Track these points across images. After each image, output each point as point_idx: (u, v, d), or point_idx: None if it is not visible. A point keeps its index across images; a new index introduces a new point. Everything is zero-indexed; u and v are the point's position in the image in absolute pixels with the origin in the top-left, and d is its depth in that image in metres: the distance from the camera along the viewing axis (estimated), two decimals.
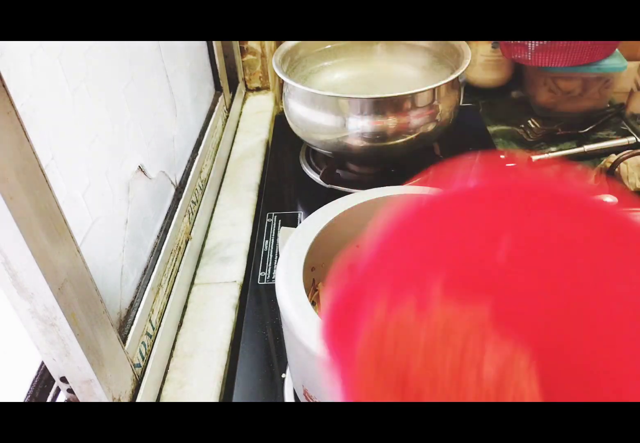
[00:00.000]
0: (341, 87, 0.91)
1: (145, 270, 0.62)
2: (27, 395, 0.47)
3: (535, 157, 1.11)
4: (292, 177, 0.91)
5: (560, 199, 0.26)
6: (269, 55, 1.10)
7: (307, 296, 0.45)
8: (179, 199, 0.73)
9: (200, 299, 0.69)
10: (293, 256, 0.48)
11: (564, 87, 1.12)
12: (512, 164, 0.92)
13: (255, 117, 1.09)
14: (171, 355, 0.62)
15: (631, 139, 1.10)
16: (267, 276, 0.72)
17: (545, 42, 0.98)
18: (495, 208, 0.27)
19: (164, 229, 0.68)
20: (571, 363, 0.29)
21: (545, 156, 1.11)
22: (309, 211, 0.80)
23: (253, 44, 1.09)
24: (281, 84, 0.86)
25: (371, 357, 0.28)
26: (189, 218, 0.75)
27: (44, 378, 0.48)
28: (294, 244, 0.50)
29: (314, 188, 0.87)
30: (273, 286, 0.47)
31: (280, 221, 0.81)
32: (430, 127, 0.78)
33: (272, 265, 0.73)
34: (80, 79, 0.50)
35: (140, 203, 0.62)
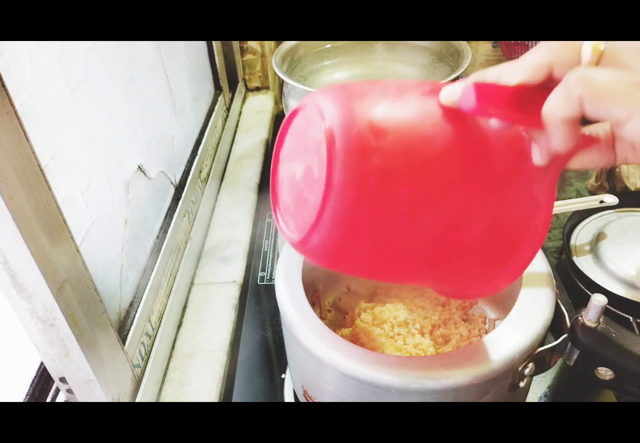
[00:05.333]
0: None
1: (144, 270, 0.62)
2: (27, 395, 0.47)
3: None
4: None
5: None
6: (269, 55, 1.10)
7: (307, 296, 0.45)
8: (178, 199, 0.73)
9: (200, 299, 0.69)
10: (293, 256, 0.48)
11: None
12: None
13: (255, 116, 1.08)
14: (171, 356, 0.62)
15: None
16: (267, 276, 0.72)
17: None
18: None
19: (164, 229, 0.68)
20: None
21: None
22: None
23: (253, 44, 1.09)
24: (281, 83, 0.86)
25: None
26: (189, 217, 0.75)
27: (43, 379, 0.48)
28: None
29: None
30: (273, 286, 0.47)
31: None
32: None
33: (272, 265, 0.73)
34: (80, 79, 0.50)
35: (140, 202, 0.62)
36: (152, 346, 0.59)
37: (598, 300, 0.38)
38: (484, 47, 1.20)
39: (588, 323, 0.39)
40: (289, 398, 0.56)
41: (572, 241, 0.80)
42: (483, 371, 0.38)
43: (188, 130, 0.84)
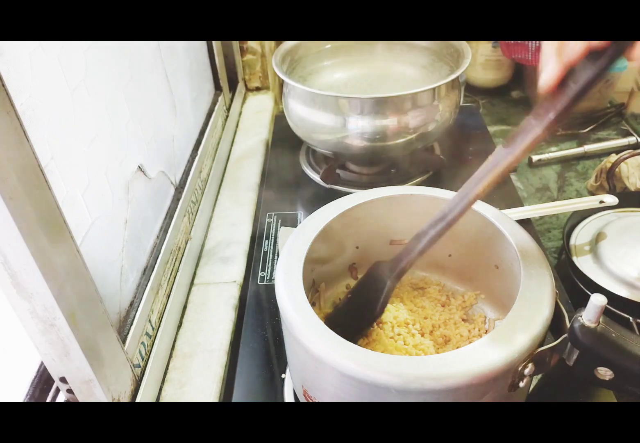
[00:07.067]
0: (341, 87, 0.91)
1: (144, 270, 0.62)
2: (27, 395, 0.47)
3: (535, 157, 1.12)
4: (292, 177, 0.91)
5: None
6: (269, 55, 1.10)
7: (307, 296, 0.45)
8: (178, 199, 0.73)
9: (200, 299, 0.69)
10: (293, 256, 0.48)
11: None
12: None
13: (255, 117, 1.09)
14: (171, 355, 0.62)
15: (631, 139, 1.10)
16: (267, 276, 0.72)
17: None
18: None
19: (164, 229, 0.68)
20: None
21: (546, 156, 1.11)
22: (309, 211, 0.80)
23: (253, 44, 1.09)
24: (281, 84, 0.86)
25: None
26: (189, 218, 0.75)
27: (43, 379, 0.48)
28: (294, 244, 0.49)
29: (314, 188, 0.87)
30: (273, 286, 0.47)
31: (280, 221, 0.81)
32: (430, 127, 0.78)
33: (272, 265, 0.73)
34: (80, 79, 0.50)
35: (140, 202, 0.62)
36: (152, 346, 0.59)
37: (598, 300, 0.38)
38: (484, 47, 1.20)
39: (588, 323, 0.39)
40: (288, 398, 0.56)
41: (572, 241, 0.80)
42: (483, 372, 0.38)
43: (188, 130, 0.84)
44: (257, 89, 1.16)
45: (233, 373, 0.60)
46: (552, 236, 0.99)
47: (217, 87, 1.01)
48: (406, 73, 0.91)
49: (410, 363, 0.39)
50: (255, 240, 0.78)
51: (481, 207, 0.52)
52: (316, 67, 0.91)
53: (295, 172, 0.92)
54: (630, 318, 0.69)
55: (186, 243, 0.72)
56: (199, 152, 0.82)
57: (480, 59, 1.21)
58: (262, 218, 0.82)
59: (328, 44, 0.91)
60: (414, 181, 0.85)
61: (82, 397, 0.47)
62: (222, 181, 0.91)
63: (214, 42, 0.96)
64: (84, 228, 0.49)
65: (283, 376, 0.58)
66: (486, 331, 0.55)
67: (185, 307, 0.68)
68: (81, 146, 0.50)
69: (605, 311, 0.39)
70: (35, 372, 0.48)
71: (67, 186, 0.46)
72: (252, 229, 0.81)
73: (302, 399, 0.50)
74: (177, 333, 0.65)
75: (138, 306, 0.57)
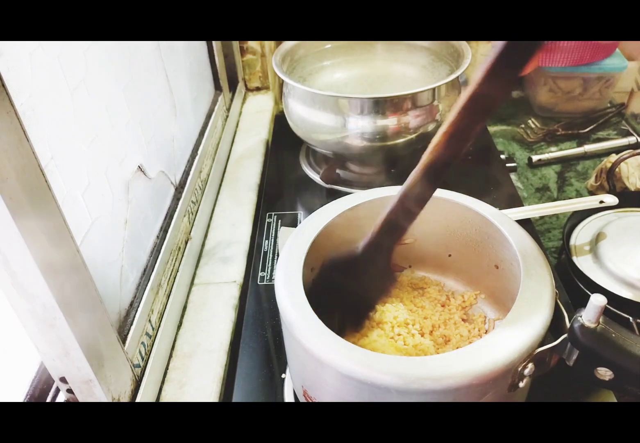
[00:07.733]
0: (341, 87, 0.91)
1: (144, 270, 0.62)
2: (27, 395, 0.47)
3: (535, 157, 1.12)
4: (292, 177, 0.91)
5: None
6: (269, 55, 1.10)
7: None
8: (178, 199, 0.73)
9: (200, 299, 0.69)
10: (293, 256, 0.48)
11: (565, 87, 1.12)
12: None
13: (255, 117, 1.09)
14: (171, 355, 0.62)
15: (631, 139, 1.10)
16: (267, 276, 0.72)
17: (545, 42, 0.98)
18: None
19: (164, 229, 0.68)
20: None
21: (546, 156, 1.11)
22: (309, 211, 0.80)
23: (253, 44, 1.09)
24: (281, 83, 0.86)
25: None
26: (189, 218, 0.75)
27: (43, 379, 0.48)
28: (294, 244, 0.49)
29: (314, 188, 0.87)
30: (273, 286, 0.47)
31: (280, 221, 0.81)
32: (430, 127, 0.78)
33: (272, 265, 0.73)
34: (80, 79, 0.50)
35: (140, 203, 0.62)
36: (152, 346, 0.59)
37: (597, 300, 0.38)
38: (484, 47, 1.20)
39: (587, 324, 0.39)
40: (288, 397, 0.56)
41: (572, 241, 0.80)
42: (483, 372, 0.38)
43: (188, 130, 0.84)
44: (257, 89, 1.16)
45: (233, 373, 0.60)
46: (552, 236, 0.99)
47: (217, 87, 1.01)
48: (406, 73, 0.91)
49: (410, 363, 0.39)
50: (255, 240, 0.78)
51: (481, 207, 0.52)
52: (316, 67, 0.91)
53: (295, 172, 0.92)
54: (630, 318, 0.69)
55: (186, 243, 0.72)
56: (199, 152, 0.82)
57: (480, 59, 1.21)
58: (262, 218, 0.82)
59: (328, 44, 0.91)
60: None
61: (82, 397, 0.47)
62: (222, 181, 0.91)
63: (214, 42, 0.96)
64: (84, 228, 0.49)
65: (283, 376, 0.58)
66: (486, 331, 0.55)
67: (185, 307, 0.68)
68: (81, 146, 0.50)
69: (605, 311, 0.39)
70: (35, 372, 0.48)
71: (67, 186, 0.46)
72: (252, 229, 0.81)
73: (302, 399, 0.50)
74: (177, 333, 0.65)
75: (138, 306, 0.57)
